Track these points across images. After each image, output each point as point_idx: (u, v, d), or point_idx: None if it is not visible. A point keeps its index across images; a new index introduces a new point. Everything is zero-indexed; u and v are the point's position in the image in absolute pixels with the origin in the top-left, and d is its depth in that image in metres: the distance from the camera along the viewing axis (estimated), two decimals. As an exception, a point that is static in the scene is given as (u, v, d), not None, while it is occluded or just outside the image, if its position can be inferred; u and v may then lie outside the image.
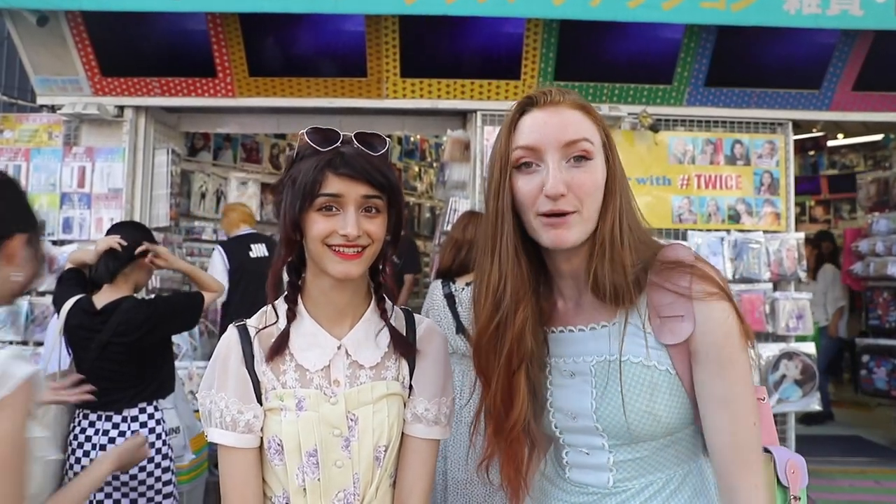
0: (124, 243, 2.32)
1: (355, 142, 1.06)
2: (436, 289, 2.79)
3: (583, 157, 0.92)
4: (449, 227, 3.22)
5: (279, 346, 1.08)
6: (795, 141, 4.31)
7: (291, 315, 1.11)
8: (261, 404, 1.08)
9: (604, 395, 0.95)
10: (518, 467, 1.02)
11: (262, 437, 1.08)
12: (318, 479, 1.05)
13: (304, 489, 1.05)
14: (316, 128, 1.06)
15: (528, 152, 0.93)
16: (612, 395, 0.94)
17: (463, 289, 2.63)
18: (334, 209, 1.02)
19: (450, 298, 2.66)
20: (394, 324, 1.16)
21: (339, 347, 1.09)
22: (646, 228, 1.00)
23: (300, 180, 1.02)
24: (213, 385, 1.09)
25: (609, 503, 0.98)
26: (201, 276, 2.68)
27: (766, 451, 0.97)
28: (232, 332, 1.12)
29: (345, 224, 1.01)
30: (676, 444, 0.97)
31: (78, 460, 2.20)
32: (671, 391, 0.93)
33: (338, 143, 1.04)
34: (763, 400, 1.00)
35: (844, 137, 7.12)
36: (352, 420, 1.07)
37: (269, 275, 1.12)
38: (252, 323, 1.13)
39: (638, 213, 1.00)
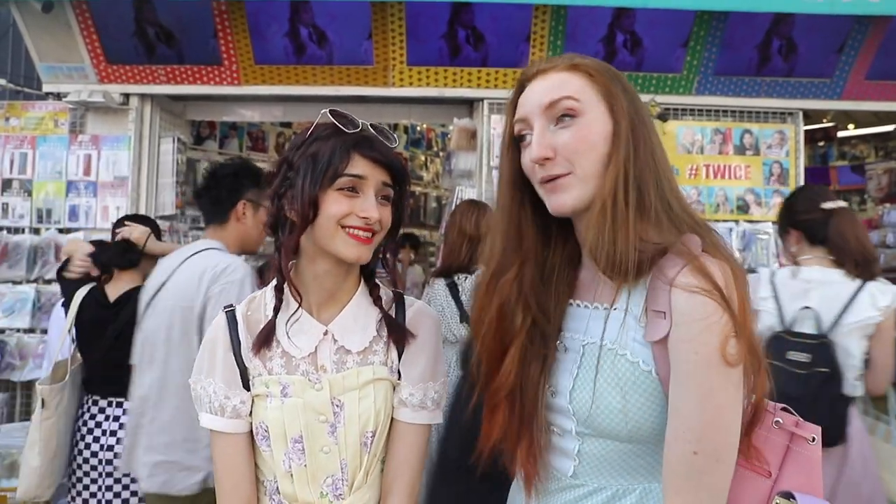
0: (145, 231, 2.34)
1: (371, 130, 1.07)
2: (437, 282, 2.75)
3: (568, 115, 0.88)
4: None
5: (266, 338, 1.07)
6: (805, 132, 4.25)
7: (278, 304, 1.09)
8: (248, 390, 1.08)
9: (583, 378, 0.91)
10: (533, 452, 0.98)
11: (251, 423, 1.09)
12: (305, 465, 1.05)
13: (291, 475, 1.06)
14: (336, 110, 1.05)
15: (521, 125, 0.93)
16: (589, 381, 0.89)
17: (467, 278, 2.61)
18: (354, 191, 1.02)
19: (452, 288, 2.64)
20: (386, 309, 1.15)
21: (325, 333, 1.08)
22: (688, 207, 0.92)
23: (323, 158, 1.02)
24: (203, 370, 1.10)
25: (569, 496, 0.94)
26: None
27: (791, 496, 0.86)
28: (220, 317, 1.12)
29: (365, 207, 1.02)
30: (646, 455, 0.89)
31: (87, 445, 2.21)
32: (648, 393, 0.85)
33: (361, 128, 1.05)
34: (811, 441, 0.88)
35: (855, 128, 7.03)
36: (337, 406, 1.06)
37: (281, 258, 1.09)
38: (241, 308, 1.13)
39: (672, 183, 0.91)
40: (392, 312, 1.15)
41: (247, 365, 1.09)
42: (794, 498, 0.85)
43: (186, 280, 1.93)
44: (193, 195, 2.34)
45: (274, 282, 1.12)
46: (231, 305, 1.15)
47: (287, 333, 1.08)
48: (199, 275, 1.90)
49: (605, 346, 0.88)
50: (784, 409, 0.91)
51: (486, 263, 0.99)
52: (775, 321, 2.20)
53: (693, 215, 0.91)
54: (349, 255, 1.03)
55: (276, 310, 1.09)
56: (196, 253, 2.00)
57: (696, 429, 0.79)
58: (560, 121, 0.89)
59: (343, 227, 1.02)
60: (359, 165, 1.02)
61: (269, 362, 1.08)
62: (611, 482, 0.91)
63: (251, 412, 1.09)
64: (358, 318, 1.11)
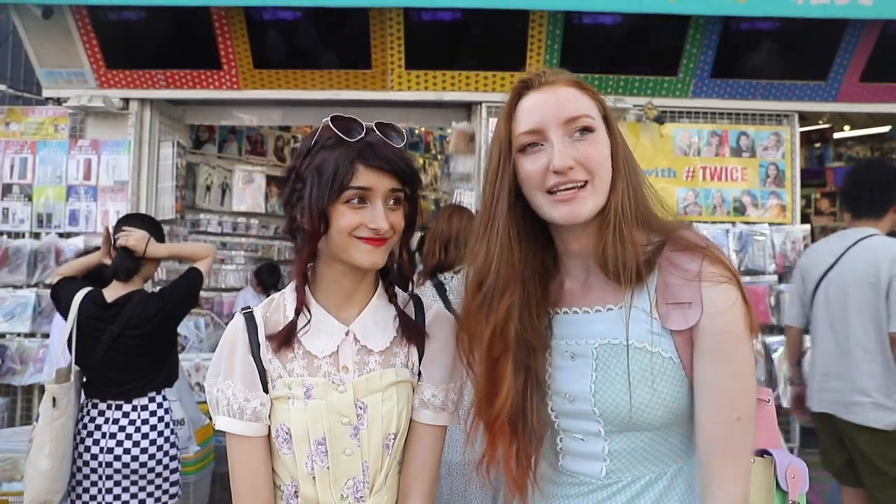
0: (140, 239, 2.33)
1: (377, 132, 1.05)
2: (426, 285, 2.76)
3: (586, 130, 0.92)
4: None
5: (287, 338, 1.08)
6: (801, 133, 4.28)
7: (300, 305, 1.10)
8: (266, 393, 1.08)
9: (604, 378, 0.94)
10: (525, 463, 0.99)
11: (269, 426, 1.08)
12: (328, 468, 1.05)
13: (314, 477, 1.06)
14: (339, 116, 1.04)
15: (531, 135, 0.93)
16: (612, 379, 0.93)
17: (452, 277, 2.61)
18: (362, 201, 1.02)
19: (439, 287, 2.64)
20: (403, 310, 1.15)
21: (346, 333, 1.09)
22: (660, 209, 0.99)
23: (328, 171, 1.01)
24: (221, 373, 1.09)
25: (600, 495, 0.96)
26: (188, 250, 2.61)
27: (768, 453, 0.95)
28: (238, 319, 1.11)
29: (374, 218, 1.01)
30: (672, 439, 0.95)
31: (87, 448, 2.22)
32: (673, 379, 0.91)
33: (364, 134, 1.03)
34: (767, 402, 0.98)
35: (851, 129, 7.07)
36: (360, 408, 1.07)
37: (295, 265, 1.10)
38: (259, 311, 1.13)
39: (650, 191, 0.98)
40: (412, 315, 1.16)
41: (266, 367, 1.08)
42: (768, 454, 0.95)
43: (865, 260, 2.44)
44: (844, 197, 2.73)
45: (293, 284, 1.12)
46: (249, 307, 1.13)
47: (308, 334, 1.08)
48: (880, 256, 2.40)
49: (624, 343, 0.92)
50: None
51: (477, 279, 0.98)
52: None
53: (670, 216, 1.00)
54: (364, 262, 1.03)
55: (298, 311, 1.09)
56: (865, 237, 2.49)
57: (735, 397, 0.88)
58: (576, 135, 0.92)
59: (355, 237, 1.02)
60: (364, 177, 1.00)
61: (290, 363, 1.08)
62: (644, 472, 0.95)
63: (269, 415, 1.08)
64: (378, 319, 1.12)
